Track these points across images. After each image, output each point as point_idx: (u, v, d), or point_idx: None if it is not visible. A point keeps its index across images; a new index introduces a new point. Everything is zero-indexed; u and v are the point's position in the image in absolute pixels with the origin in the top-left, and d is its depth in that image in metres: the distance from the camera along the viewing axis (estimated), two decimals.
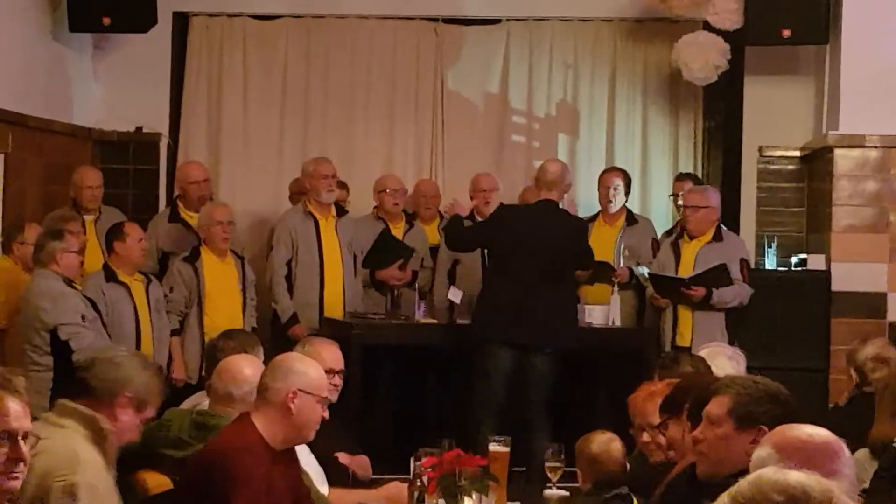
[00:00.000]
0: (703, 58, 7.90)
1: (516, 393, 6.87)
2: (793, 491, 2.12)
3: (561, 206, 7.14)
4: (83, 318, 6.45)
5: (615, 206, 7.81)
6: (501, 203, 7.47)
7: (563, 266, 7.03)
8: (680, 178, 8.10)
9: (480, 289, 7.14)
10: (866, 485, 4.08)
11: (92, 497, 3.48)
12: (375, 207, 8.10)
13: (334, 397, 4.43)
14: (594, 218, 7.95)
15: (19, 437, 2.89)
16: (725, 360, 4.76)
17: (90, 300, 6.61)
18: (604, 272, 7.61)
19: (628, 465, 4.40)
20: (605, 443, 4.38)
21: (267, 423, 3.82)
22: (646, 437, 4.13)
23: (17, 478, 2.91)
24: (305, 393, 3.83)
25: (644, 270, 7.62)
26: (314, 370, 3.94)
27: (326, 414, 3.91)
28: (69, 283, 6.51)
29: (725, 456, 3.29)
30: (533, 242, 6.86)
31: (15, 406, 2.90)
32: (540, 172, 7.17)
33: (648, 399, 4.14)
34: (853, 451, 4.51)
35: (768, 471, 2.21)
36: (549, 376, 6.91)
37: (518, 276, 6.85)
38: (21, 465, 2.90)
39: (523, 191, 8.18)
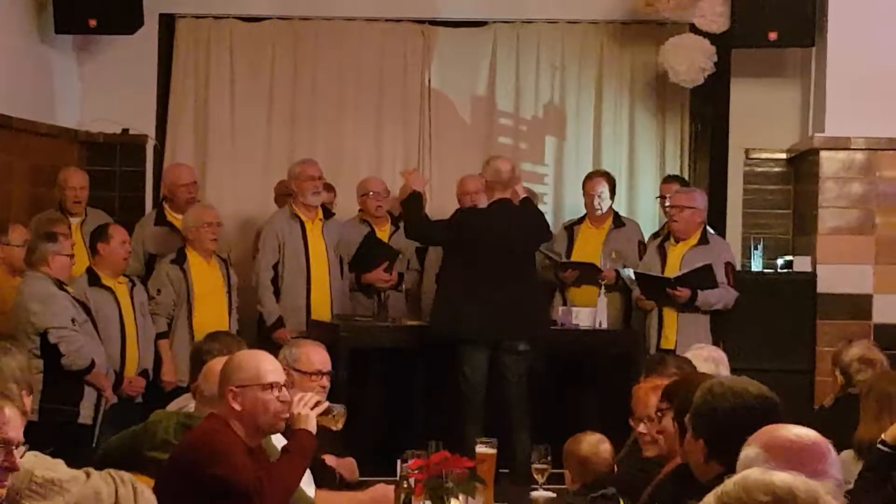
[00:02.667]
0: (689, 60, 7.92)
1: (494, 395, 6.87)
2: (779, 491, 2.13)
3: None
4: (73, 321, 6.44)
5: (601, 212, 7.83)
6: (459, 208, 7.43)
7: (526, 263, 7.02)
8: (667, 180, 8.12)
9: (441, 289, 7.08)
10: (850, 486, 4.09)
11: None
12: (360, 210, 8.10)
13: (323, 398, 4.43)
14: (581, 220, 7.97)
15: (13, 447, 2.89)
16: (701, 362, 4.77)
17: (81, 303, 6.59)
18: (590, 274, 7.62)
19: (616, 467, 4.41)
20: (595, 444, 4.39)
21: (231, 422, 3.87)
22: (642, 428, 4.13)
23: (5, 486, 2.91)
24: (241, 387, 3.86)
25: (630, 272, 7.64)
26: (245, 361, 3.96)
27: (285, 395, 3.92)
28: (60, 285, 6.50)
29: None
30: (497, 241, 6.85)
31: (12, 415, 2.90)
32: (493, 174, 7.07)
33: (652, 391, 4.13)
34: (838, 452, 4.54)
35: (754, 471, 2.22)
36: (524, 375, 6.90)
37: (484, 276, 6.83)
38: (11, 474, 2.91)
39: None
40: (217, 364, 4.24)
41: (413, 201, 7.14)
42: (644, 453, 4.15)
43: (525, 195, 7.26)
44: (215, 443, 3.79)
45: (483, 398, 6.84)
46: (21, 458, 2.98)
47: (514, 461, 6.12)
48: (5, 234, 6.94)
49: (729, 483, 2.19)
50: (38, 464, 3.34)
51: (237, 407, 3.86)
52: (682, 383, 3.82)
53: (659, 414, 3.88)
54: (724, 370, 4.85)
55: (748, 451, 2.76)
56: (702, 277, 7.10)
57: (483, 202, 7.69)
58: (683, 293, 7.08)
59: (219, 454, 3.75)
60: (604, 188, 7.82)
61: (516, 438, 6.47)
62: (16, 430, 2.90)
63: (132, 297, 6.96)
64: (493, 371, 6.85)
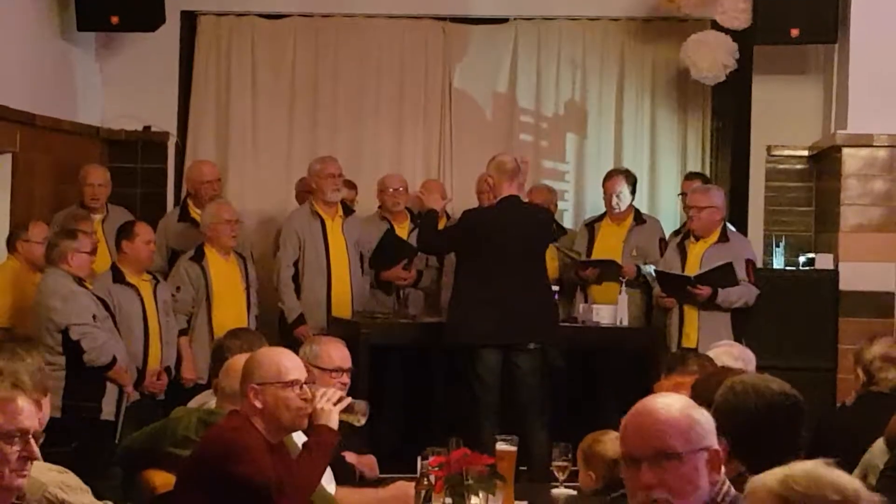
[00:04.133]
0: (711, 57, 7.89)
1: (508, 392, 6.86)
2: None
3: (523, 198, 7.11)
4: (94, 317, 6.46)
5: (619, 210, 7.81)
6: (466, 209, 7.41)
7: (535, 261, 7.00)
8: (689, 177, 8.09)
9: (455, 291, 7.05)
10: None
11: None
12: (379, 207, 8.10)
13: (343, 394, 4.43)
14: (601, 217, 7.95)
15: (30, 436, 2.91)
16: (731, 361, 4.74)
17: (101, 300, 6.62)
18: (611, 270, 7.61)
19: None
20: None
21: (253, 420, 3.88)
22: None
23: (25, 475, 2.94)
24: (262, 385, 3.87)
25: (651, 269, 7.62)
26: (266, 358, 3.97)
27: (306, 392, 3.93)
28: (80, 282, 6.52)
29: None
30: (505, 241, 6.82)
31: (26, 405, 2.93)
32: (497, 167, 6.95)
33: (673, 390, 4.11)
34: (862, 449, 4.52)
35: (821, 466, 2.21)
36: (536, 372, 6.89)
37: (494, 277, 6.81)
38: (30, 463, 2.93)
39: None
40: (238, 361, 4.25)
41: (428, 219, 7.20)
42: None
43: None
44: (237, 441, 3.79)
45: (498, 398, 6.84)
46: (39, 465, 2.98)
47: (531, 458, 6.11)
48: (26, 230, 6.97)
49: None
50: (63, 482, 3.36)
51: (258, 405, 3.86)
52: (704, 381, 3.80)
53: None
54: (752, 370, 4.83)
55: None
56: (722, 275, 7.07)
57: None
58: (704, 291, 7.06)
59: (240, 452, 3.76)
60: (622, 187, 7.80)
61: (532, 436, 6.46)
62: (31, 420, 2.92)
63: (156, 295, 6.98)
64: (506, 370, 6.85)
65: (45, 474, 3.35)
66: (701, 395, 3.77)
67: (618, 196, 7.78)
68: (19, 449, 2.90)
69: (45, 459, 3.21)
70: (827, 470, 2.18)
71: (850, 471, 4.41)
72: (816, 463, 2.23)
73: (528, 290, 6.86)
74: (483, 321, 6.76)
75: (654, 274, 7.49)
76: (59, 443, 3.48)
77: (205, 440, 3.93)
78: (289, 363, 3.96)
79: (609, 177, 7.94)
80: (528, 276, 6.90)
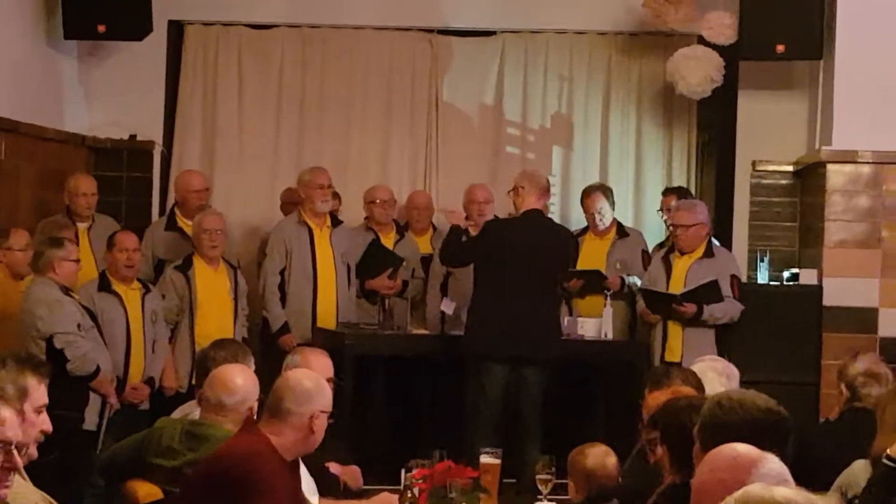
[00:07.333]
0: (701, 71, 7.91)
1: (510, 405, 6.87)
2: None
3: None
4: (79, 326, 6.44)
5: (605, 226, 7.83)
6: (488, 219, 7.44)
7: (551, 277, 7.04)
8: (667, 192, 8.09)
9: (473, 303, 7.11)
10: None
11: None
12: (366, 218, 8.10)
13: None
14: (584, 231, 7.97)
15: (13, 447, 2.89)
16: (715, 376, 4.74)
17: (87, 309, 6.59)
18: (595, 281, 7.62)
19: (620, 479, 4.39)
20: (601, 456, 4.37)
21: (281, 439, 3.85)
22: (646, 435, 4.12)
23: (8, 486, 2.92)
24: (323, 412, 3.91)
25: (636, 280, 7.63)
26: (326, 386, 4.01)
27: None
28: (66, 291, 6.50)
29: None
30: (525, 254, 6.86)
31: (9, 415, 2.91)
32: (536, 181, 7.09)
33: (657, 405, 4.11)
34: (845, 465, 4.53)
35: (755, 487, 2.22)
36: (541, 387, 6.92)
37: (512, 290, 6.84)
38: (12, 474, 2.91)
39: None
40: (223, 371, 4.25)
41: (453, 233, 7.20)
42: (651, 458, 4.13)
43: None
44: (262, 471, 3.73)
45: (499, 411, 6.85)
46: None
47: (524, 472, 6.11)
48: (7, 238, 6.94)
49: (730, 500, 2.20)
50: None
51: (315, 430, 3.88)
52: (664, 408, 3.81)
53: (652, 445, 3.87)
54: (735, 385, 4.83)
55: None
56: (708, 293, 7.09)
57: (490, 212, 7.71)
58: (690, 309, 7.07)
59: (263, 485, 3.70)
60: (603, 203, 7.83)
61: (528, 449, 6.46)
62: (14, 430, 2.91)
63: (143, 304, 6.96)
64: (512, 383, 6.86)
65: (35, 493, 3.34)
66: (657, 425, 3.78)
67: (599, 213, 7.81)
68: (2, 460, 2.88)
69: (25, 468, 3.20)
70: (761, 489, 2.19)
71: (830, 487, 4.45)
72: (753, 486, 2.24)
73: (541, 305, 6.93)
74: (497, 332, 6.78)
75: (638, 286, 7.51)
76: (40, 452, 3.45)
77: (222, 461, 3.82)
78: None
79: (587, 193, 7.95)
80: (543, 291, 6.95)
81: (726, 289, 7.14)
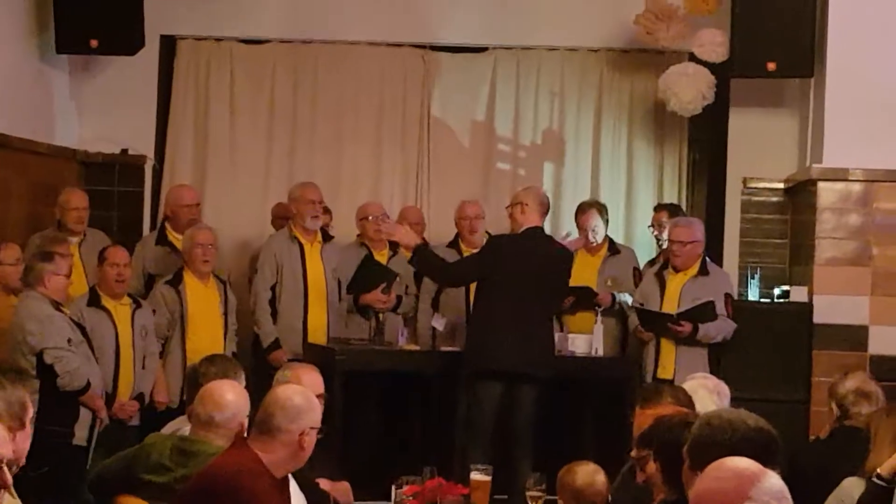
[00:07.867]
0: (694, 88, 7.93)
1: (504, 421, 6.86)
2: None
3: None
4: (69, 341, 6.42)
5: (598, 243, 7.86)
6: (491, 234, 7.44)
7: (549, 295, 7.03)
8: (658, 208, 8.11)
9: (473, 318, 7.09)
10: None
11: None
12: (359, 235, 8.10)
13: None
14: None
15: (2, 463, 2.88)
16: (706, 393, 4.74)
17: (78, 324, 6.58)
18: (586, 298, 7.62)
19: (610, 497, 4.39)
20: (590, 474, 4.36)
21: (271, 455, 3.84)
22: (636, 453, 4.11)
23: None
24: (312, 429, 3.90)
25: (627, 298, 7.63)
26: (316, 403, 3.99)
27: None
28: (56, 305, 6.49)
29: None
30: (526, 271, 6.84)
31: (1, 433, 2.90)
32: (539, 198, 7.06)
33: (648, 423, 4.11)
34: (836, 483, 4.53)
35: None
36: (536, 404, 6.90)
37: (514, 306, 6.82)
38: (2, 492, 2.89)
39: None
40: (217, 388, 4.24)
41: (421, 253, 7.01)
42: (638, 478, 4.13)
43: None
44: (251, 488, 3.71)
45: (492, 428, 6.83)
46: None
47: (516, 489, 6.10)
48: None
49: None
50: None
51: (304, 446, 3.88)
52: (657, 425, 3.81)
53: (642, 462, 3.87)
54: (726, 403, 4.83)
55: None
56: (704, 312, 7.09)
57: (481, 228, 7.71)
58: (686, 328, 7.07)
59: (253, 502, 3.69)
60: (597, 220, 7.85)
61: (520, 466, 6.45)
62: (5, 447, 2.89)
63: (133, 319, 6.94)
64: (509, 398, 6.85)
65: None
66: (648, 443, 3.78)
67: (593, 230, 7.83)
68: None
69: (15, 484, 3.19)
70: None
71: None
72: None
73: (540, 323, 6.90)
74: (497, 348, 6.77)
75: (629, 303, 7.50)
76: (29, 467, 3.43)
77: (213, 477, 3.81)
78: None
79: (582, 210, 7.96)
80: (543, 309, 6.93)
81: (720, 307, 7.14)
